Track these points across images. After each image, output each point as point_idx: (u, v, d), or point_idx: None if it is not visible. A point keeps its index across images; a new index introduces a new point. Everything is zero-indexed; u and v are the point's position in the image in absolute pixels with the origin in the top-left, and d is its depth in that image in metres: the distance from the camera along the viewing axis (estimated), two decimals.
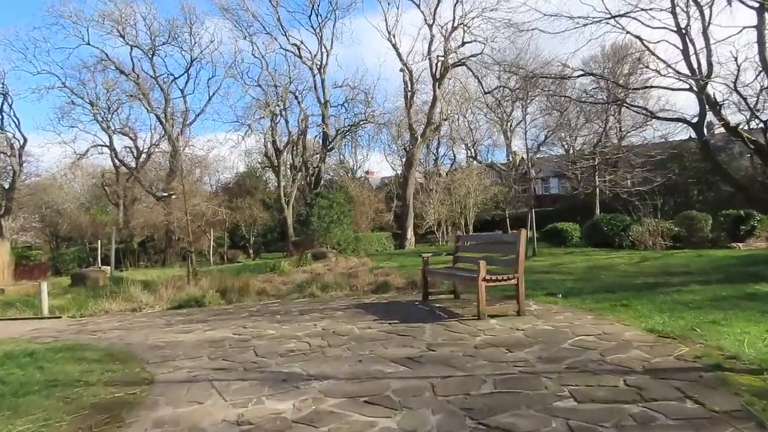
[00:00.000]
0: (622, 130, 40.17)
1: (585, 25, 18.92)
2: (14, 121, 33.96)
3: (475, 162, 45.56)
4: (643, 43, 19.57)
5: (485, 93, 33.87)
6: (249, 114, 34.35)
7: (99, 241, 26.75)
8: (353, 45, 69.04)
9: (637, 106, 19.01)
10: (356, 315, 8.83)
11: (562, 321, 7.33)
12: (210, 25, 32.87)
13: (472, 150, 44.92)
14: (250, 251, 35.62)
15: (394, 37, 32.94)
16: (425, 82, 35.67)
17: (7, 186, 34.13)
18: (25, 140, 34.62)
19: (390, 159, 48.09)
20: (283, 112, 34.33)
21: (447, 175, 42.05)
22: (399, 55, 33.24)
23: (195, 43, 34.25)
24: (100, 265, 24.93)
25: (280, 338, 7.36)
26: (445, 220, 28.98)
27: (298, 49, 33.30)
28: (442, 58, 31.87)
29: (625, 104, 19.57)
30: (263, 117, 34.05)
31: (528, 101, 34.71)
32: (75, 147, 36.39)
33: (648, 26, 18.64)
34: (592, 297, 9.09)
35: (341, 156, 45.67)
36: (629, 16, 18.65)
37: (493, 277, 7.75)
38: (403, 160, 45.26)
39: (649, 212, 23.04)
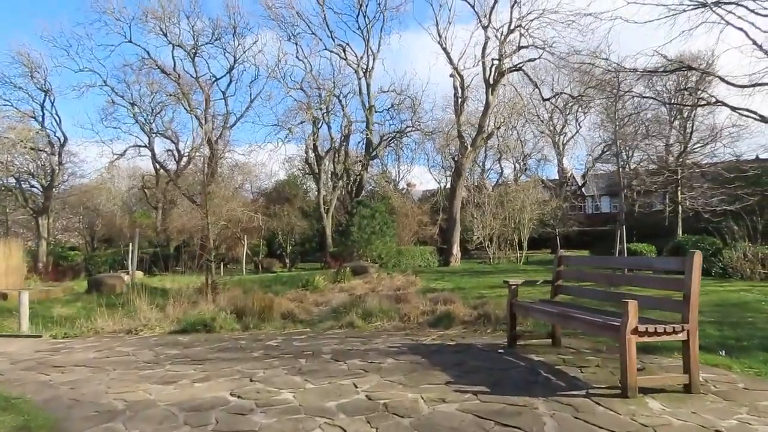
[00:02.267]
0: (689, 145, 36.18)
1: (675, 14, 15.54)
2: (55, 119, 32.38)
3: (523, 176, 42.13)
4: (749, 37, 15.98)
5: (543, 100, 30.52)
6: (290, 117, 31.96)
7: (132, 244, 24.56)
8: (401, 49, 66.20)
9: (745, 109, 15.53)
10: (416, 369, 5.76)
11: None
12: (254, 25, 31.03)
13: (521, 163, 41.44)
14: (287, 261, 32.97)
15: (445, 40, 29.94)
16: (475, 88, 32.60)
17: (46, 184, 32.46)
18: (66, 138, 33.02)
19: (434, 171, 44.91)
20: (326, 117, 31.73)
21: (493, 189, 38.80)
22: (450, 59, 30.21)
23: (239, 44, 32.16)
24: (130, 270, 22.72)
25: (298, 414, 4.36)
26: (498, 236, 25.61)
27: (344, 50, 30.78)
28: (497, 62, 28.69)
29: (735, 108, 15.98)
30: (305, 121, 31.54)
31: (589, 108, 31.30)
32: (113, 147, 34.49)
33: (760, 14, 15.07)
34: None
35: (383, 166, 42.80)
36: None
37: (650, 329, 4.56)
38: (449, 171, 42.27)
39: (740, 235, 19.25)
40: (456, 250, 29.09)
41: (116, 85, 32.68)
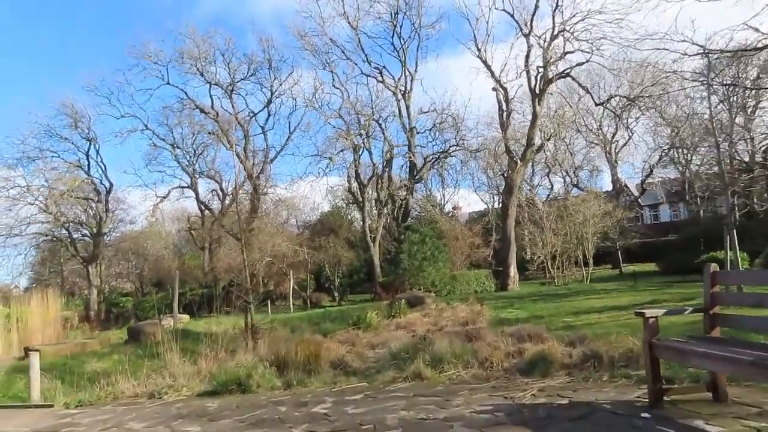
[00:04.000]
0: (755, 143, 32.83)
1: None
2: (101, 167, 32.24)
3: (575, 189, 39.35)
4: None
5: (596, 105, 28.18)
6: (330, 146, 30.63)
7: (171, 287, 23.41)
8: (439, 68, 64.64)
9: None
10: None
11: None
12: (289, 57, 30.36)
13: (573, 176, 38.74)
14: (335, 294, 31.22)
15: (484, 53, 28.19)
16: (520, 100, 30.53)
17: (94, 232, 32.13)
18: (111, 185, 32.78)
19: (480, 192, 42.63)
20: (366, 143, 30.26)
21: (544, 204, 36.23)
22: (491, 72, 28.38)
23: (275, 78, 31.34)
24: (176, 313, 21.49)
25: None
26: (560, 254, 23.11)
27: (381, 73, 29.42)
28: (542, 70, 26.65)
29: None
30: (345, 149, 30.12)
31: (648, 109, 28.63)
32: (156, 190, 34.03)
33: None
34: None
35: (427, 190, 40.86)
36: None
37: None
38: (496, 190, 39.98)
39: None
40: (513, 271, 26.70)
41: (157, 128, 32.43)
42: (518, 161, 27.57)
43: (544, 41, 27.38)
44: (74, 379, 9.93)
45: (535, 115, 27.35)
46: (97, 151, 32.00)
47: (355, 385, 6.98)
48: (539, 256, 23.10)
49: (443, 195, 41.97)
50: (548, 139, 28.79)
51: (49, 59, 67.11)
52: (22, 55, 65.89)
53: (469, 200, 52.33)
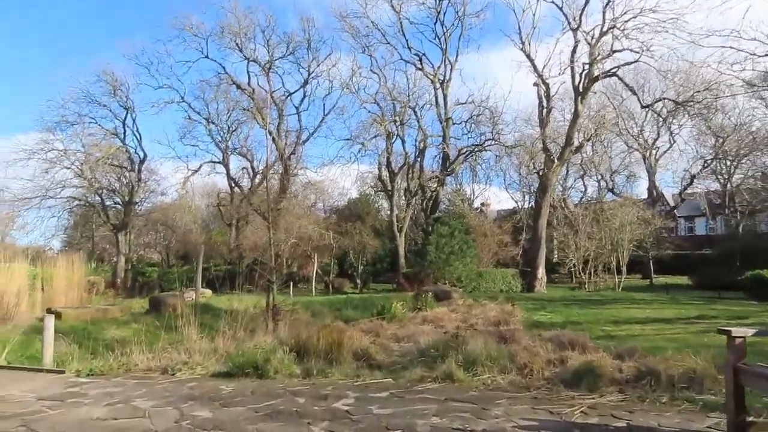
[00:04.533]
0: None
1: None
2: (136, 136, 32.15)
3: (609, 194, 37.97)
4: None
5: (643, 107, 26.91)
6: (363, 131, 29.99)
7: (196, 261, 23.23)
8: (479, 59, 62.94)
9: None
10: None
11: None
12: (328, 38, 29.73)
13: (608, 181, 37.33)
14: (358, 281, 30.77)
15: (528, 47, 27.15)
16: (560, 98, 29.45)
17: (126, 200, 32.24)
18: (145, 155, 32.80)
19: (511, 190, 41.50)
20: (400, 130, 29.56)
21: (576, 207, 35.06)
22: (534, 66, 27.32)
23: (312, 58, 30.79)
24: (199, 287, 21.32)
25: None
26: (594, 258, 22.12)
27: (420, 60, 28.58)
28: (588, 67, 25.50)
29: None
30: (378, 135, 29.47)
31: (699, 114, 27.21)
32: (188, 164, 33.93)
33: None
34: None
35: (458, 184, 39.92)
36: None
37: None
38: (528, 189, 38.90)
39: None
40: (541, 273, 25.81)
41: (193, 102, 32.22)
42: (555, 160, 26.56)
43: (592, 38, 26.19)
44: (91, 345, 9.67)
45: (576, 114, 26.27)
46: (134, 120, 32.03)
47: (380, 381, 6.40)
48: (570, 259, 22.12)
49: (473, 190, 41.05)
50: (588, 140, 27.68)
51: (92, 26, 68.01)
52: (67, 19, 66.92)
53: (498, 198, 51.09)
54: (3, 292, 12.94)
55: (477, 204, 41.66)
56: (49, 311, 13.78)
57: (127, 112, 31.38)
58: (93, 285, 24.09)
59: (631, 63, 25.61)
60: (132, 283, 32.66)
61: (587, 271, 22.29)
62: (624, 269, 22.50)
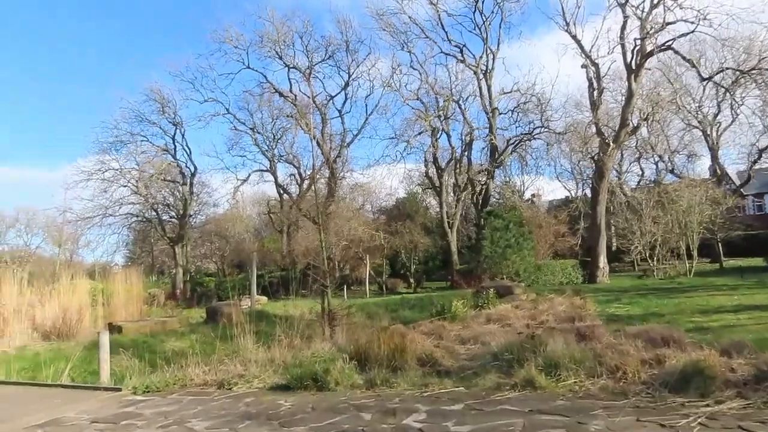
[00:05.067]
0: None
1: None
2: (186, 151, 32.77)
3: (669, 176, 35.76)
4: None
5: (703, 80, 25.06)
6: (408, 128, 29.33)
7: (250, 269, 23.21)
8: (522, 45, 60.62)
9: None
10: None
11: None
12: (366, 38, 29.26)
13: (668, 162, 35.16)
14: (411, 281, 30.12)
15: (574, 27, 25.77)
16: (611, 78, 27.84)
17: (180, 214, 32.89)
18: (196, 168, 33.37)
19: (562, 178, 39.83)
20: (445, 125, 28.70)
21: (632, 191, 33.14)
22: (581, 48, 25.91)
23: (352, 60, 30.43)
24: (254, 295, 21.27)
25: None
26: (661, 244, 20.62)
27: (461, 51, 27.65)
28: (639, 43, 23.93)
29: None
30: (423, 131, 28.71)
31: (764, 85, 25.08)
32: (237, 174, 34.26)
33: None
34: None
35: (506, 176, 38.58)
36: None
37: None
38: (581, 176, 37.21)
39: None
40: (603, 262, 24.38)
41: (238, 112, 32.49)
42: (610, 143, 25.07)
43: (643, 11, 24.58)
44: (151, 358, 9.52)
45: (630, 93, 24.70)
46: (183, 135, 32.59)
47: (451, 390, 5.74)
48: (636, 246, 20.68)
49: (522, 182, 39.64)
50: (645, 119, 25.97)
51: (137, 47, 70.48)
52: (113, 43, 69.61)
53: (549, 188, 49.01)
54: (66, 308, 13.11)
55: (527, 195, 40.28)
56: (110, 326, 13.91)
57: (176, 128, 32.02)
58: (153, 297, 24.56)
59: (687, 34, 23.86)
60: (191, 293, 33.27)
61: (654, 258, 20.75)
62: (695, 254, 20.85)
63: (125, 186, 31.17)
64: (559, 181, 40.69)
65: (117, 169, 30.51)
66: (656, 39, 24.75)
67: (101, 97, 67.40)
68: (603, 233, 24.75)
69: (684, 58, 24.60)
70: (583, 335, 7.14)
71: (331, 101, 31.40)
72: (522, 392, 5.35)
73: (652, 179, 37.74)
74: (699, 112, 34.50)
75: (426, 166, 31.06)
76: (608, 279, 23.78)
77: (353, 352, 7.19)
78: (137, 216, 33.69)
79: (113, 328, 13.47)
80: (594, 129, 26.42)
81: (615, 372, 5.45)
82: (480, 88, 28.19)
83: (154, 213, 33.43)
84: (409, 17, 27.50)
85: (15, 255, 29.33)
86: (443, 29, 27.78)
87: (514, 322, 9.25)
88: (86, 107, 73.06)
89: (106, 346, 7.82)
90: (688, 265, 20.82)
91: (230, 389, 6.75)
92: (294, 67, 29.85)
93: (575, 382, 5.40)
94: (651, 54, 23.96)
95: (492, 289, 11.97)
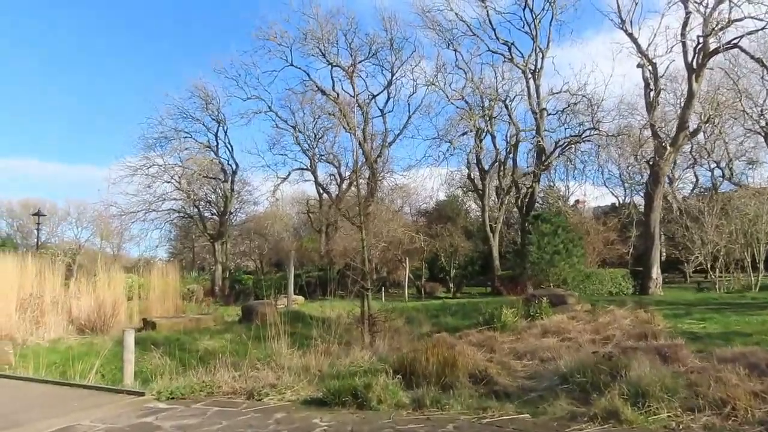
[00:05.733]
0: None
1: None
2: (228, 148, 32.71)
3: (726, 184, 33.55)
4: None
5: None
6: (451, 128, 28.35)
7: (288, 268, 22.72)
8: (573, 45, 58.11)
9: None
10: None
11: None
12: (411, 35, 28.34)
13: (726, 168, 32.96)
14: (450, 285, 29.09)
15: (630, 24, 24.29)
16: (670, 78, 26.21)
17: (221, 211, 32.88)
18: (237, 166, 33.30)
19: (610, 184, 38.04)
20: (489, 126, 27.55)
21: (685, 200, 31.17)
22: (638, 46, 24.41)
23: (395, 58, 29.68)
24: (291, 295, 20.75)
25: None
26: (725, 255, 18.98)
27: (509, 50, 26.47)
28: (702, 41, 22.29)
29: None
30: (468, 131, 27.69)
31: None
32: (277, 171, 33.95)
33: None
34: None
35: (550, 181, 36.97)
36: None
37: None
38: (632, 181, 35.39)
39: None
40: (656, 273, 22.80)
41: (280, 110, 32.16)
42: (667, 146, 23.46)
43: (706, 8, 22.92)
44: (182, 356, 9.03)
45: (691, 94, 23.07)
46: (225, 132, 32.56)
47: (514, 417, 4.83)
48: (696, 257, 19.09)
49: (567, 187, 38.00)
50: (707, 122, 24.24)
51: (185, 44, 71.99)
52: (162, 39, 71.29)
53: (593, 195, 46.53)
54: (101, 302, 12.78)
55: (571, 201, 38.61)
56: (144, 321, 13.54)
57: (218, 125, 32.00)
58: (192, 293, 24.43)
59: (756, 32, 22.07)
60: (229, 291, 33.21)
61: (717, 269, 19.10)
62: (761, 266, 19.12)
63: (168, 182, 31.37)
64: (607, 186, 38.88)
65: (161, 165, 30.70)
66: (721, 37, 23.04)
67: (151, 96, 69.13)
68: (657, 242, 23.17)
69: (753, 57, 22.78)
70: (664, 357, 6.10)
71: (373, 100, 30.73)
72: (604, 426, 4.39)
73: (707, 187, 35.58)
74: (762, 117, 32.23)
75: (468, 168, 30.02)
76: (661, 291, 22.20)
77: (397, 364, 6.36)
78: (179, 212, 33.87)
79: (147, 324, 13.12)
80: (649, 132, 24.85)
81: (720, 407, 4.43)
82: (528, 88, 26.96)
83: (195, 209, 33.53)
84: (456, 14, 26.58)
85: (62, 247, 29.77)
86: (491, 26, 26.72)
87: (575, 336, 8.22)
88: (138, 106, 74.99)
89: (131, 346, 7.23)
90: (753, 278, 19.10)
91: (260, 400, 6.02)
92: (337, 65, 29.31)
93: (670, 416, 4.41)
94: (715, 52, 22.30)
95: (545, 298, 10.92)
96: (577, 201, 39.94)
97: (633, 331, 8.21)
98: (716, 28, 22.38)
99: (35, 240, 32.49)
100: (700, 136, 30.76)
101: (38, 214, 29.09)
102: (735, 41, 22.63)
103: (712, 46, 22.67)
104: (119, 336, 11.55)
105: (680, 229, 20.93)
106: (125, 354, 7.17)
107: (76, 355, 9.62)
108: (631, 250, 25.16)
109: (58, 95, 74.71)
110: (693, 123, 24.37)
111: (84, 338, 11.96)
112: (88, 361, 8.87)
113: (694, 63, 22.99)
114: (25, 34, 68.52)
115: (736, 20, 22.50)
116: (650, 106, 24.52)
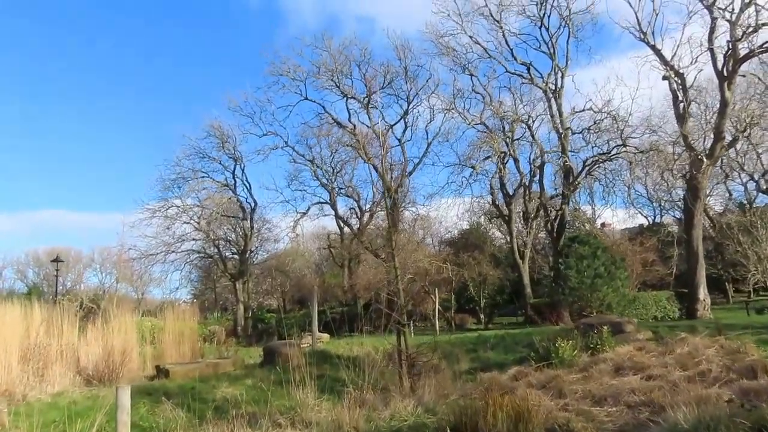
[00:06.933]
0: None
1: None
2: (246, 186, 32.02)
3: (761, 196, 31.71)
4: None
5: None
6: (473, 152, 27.19)
7: (311, 305, 21.41)
8: (593, 61, 57.02)
9: None
10: None
11: None
12: (425, 62, 27.50)
13: (762, 180, 31.12)
14: (481, 316, 27.40)
15: (651, 35, 23.15)
16: (697, 89, 24.74)
17: (241, 249, 31.95)
18: (256, 203, 32.53)
19: (637, 204, 36.32)
20: (511, 149, 26.32)
21: (721, 216, 29.38)
22: (661, 58, 23.16)
23: (410, 87, 28.94)
24: (316, 332, 19.38)
25: None
26: None
27: (528, 70, 25.45)
28: (731, 46, 21.02)
29: None
30: (491, 155, 26.48)
31: None
32: (296, 207, 33.01)
33: None
34: None
35: (575, 203, 35.25)
36: None
37: None
38: (665, 199, 33.70)
39: None
40: (703, 294, 20.95)
41: (296, 145, 31.47)
42: (704, 159, 21.91)
43: (731, 12, 21.72)
44: (199, 407, 7.78)
45: (724, 102, 21.64)
46: (243, 170, 31.92)
47: None
48: (753, 274, 17.31)
49: (593, 208, 36.24)
50: (743, 131, 22.67)
51: (198, 84, 73.02)
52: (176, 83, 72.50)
53: (618, 217, 44.31)
54: (110, 348, 11.59)
55: (598, 224, 36.81)
56: (157, 369, 12.31)
57: (235, 163, 31.42)
58: (213, 334, 23.21)
59: None
60: (252, 330, 31.99)
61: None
62: None
63: (187, 223, 30.66)
64: (635, 207, 37.13)
65: (179, 207, 30.04)
66: (754, 40, 21.76)
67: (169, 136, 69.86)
68: (702, 261, 21.38)
69: None
70: None
71: (390, 130, 29.87)
72: None
73: (739, 201, 33.75)
74: None
75: (492, 193, 28.66)
76: (710, 313, 20.33)
77: (453, 419, 4.96)
78: (199, 252, 33.04)
79: (160, 372, 11.86)
80: (680, 145, 23.35)
81: None
82: (550, 108, 25.80)
83: (215, 249, 32.69)
84: (470, 37, 25.74)
85: (84, 293, 29.05)
86: (508, 47, 25.80)
87: (659, 372, 6.70)
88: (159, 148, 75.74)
89: (126, 405, 5.93)
90: None
91: None
92: (352, 97, 28.64)
93: None
94: (748, 56, 20.95)
95: (606, 327, 9.38)
96: (603, 224, 38.15)
97: (731, 366, 6.66)
98: (748, 31, 21.14)
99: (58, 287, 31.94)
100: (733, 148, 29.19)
101: (57, 260, 28.49)
102: (766, 45, 21.32)
103: (742, 52, 21.40)
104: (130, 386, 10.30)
105: (732, 245, 19.15)
106: (119, 415, 5.87)
107: (79, 410, 8.42)
108: (673, 270, 23.29)
109: (89, 148, 76.11)
110: (732, 131, 22.88)
111: (90, 390, 10.74)
112: (91, 419, 7.67)
113: (725, 70, 21.68)
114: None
115: (764, 25, 21.29)
116: (681, 118, 23.07)
